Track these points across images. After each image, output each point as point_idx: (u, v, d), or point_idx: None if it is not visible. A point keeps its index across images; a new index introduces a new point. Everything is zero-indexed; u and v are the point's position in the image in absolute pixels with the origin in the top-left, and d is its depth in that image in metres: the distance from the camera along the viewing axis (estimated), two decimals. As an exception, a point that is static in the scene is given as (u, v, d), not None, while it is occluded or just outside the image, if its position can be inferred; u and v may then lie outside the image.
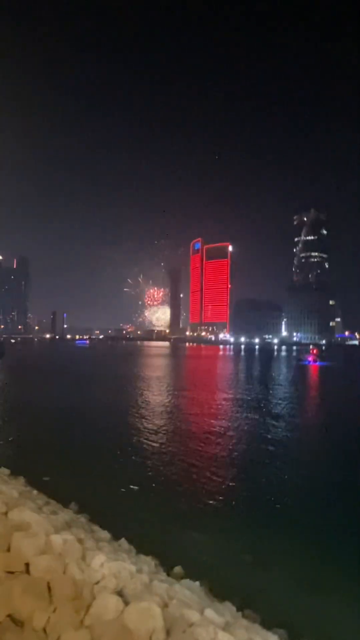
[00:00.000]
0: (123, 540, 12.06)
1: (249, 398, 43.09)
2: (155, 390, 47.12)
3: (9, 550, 7.02)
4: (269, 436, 26.97)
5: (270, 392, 48.85)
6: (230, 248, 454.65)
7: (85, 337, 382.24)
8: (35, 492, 14.99)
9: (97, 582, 6.92)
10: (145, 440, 24.87)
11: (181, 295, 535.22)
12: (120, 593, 6.68)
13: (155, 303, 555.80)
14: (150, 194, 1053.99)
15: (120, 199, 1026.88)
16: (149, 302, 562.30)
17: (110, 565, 7.56)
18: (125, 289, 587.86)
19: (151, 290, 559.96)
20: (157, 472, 19.52)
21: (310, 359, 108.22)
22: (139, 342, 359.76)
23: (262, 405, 38.87)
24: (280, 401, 41.98)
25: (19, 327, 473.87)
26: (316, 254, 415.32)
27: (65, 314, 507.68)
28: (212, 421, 30.89)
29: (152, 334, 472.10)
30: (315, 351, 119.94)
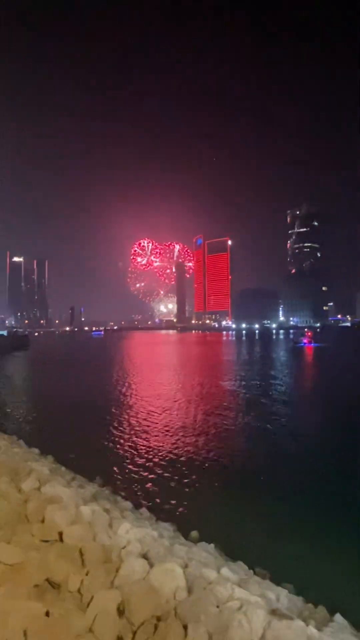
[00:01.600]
0: (144, 509, 12.14)
1: (248, 375, 43.00)
2: (164, 378, 47.11)
3: (43, 521, 7.09)
4: (266, 400, 27.02)
5: (269, 370, 48.75)
6: (229, 242, 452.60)
7: (100, 329, 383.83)
8: (63, 468, 15.10)
9: (124, 547, 6.98)
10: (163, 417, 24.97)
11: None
12: (145, 556, 6.73)
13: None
14: (156, 195, 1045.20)
15: (129, 202, 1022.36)
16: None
17: (135, 531, 7.62)
18: (136, 284, 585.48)
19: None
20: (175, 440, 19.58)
21: (305, 341, 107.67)
22: (149, 331, 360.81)
23: (262, 381, 38.88)
24: (278, 381, 41.92)
25: (41, 321, 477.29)
26: (309, 244, 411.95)
27: (82, 309, 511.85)
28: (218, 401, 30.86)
29: (161, 324, 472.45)
30: (309, 334, 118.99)
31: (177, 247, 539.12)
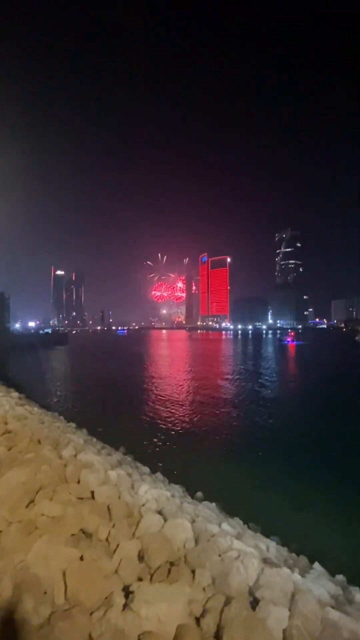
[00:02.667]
0: (159, 474, 12.05)
1: (244, 366, 42.68)
2: (176, 367, 46.87)
3: (79, 482, 7.05)
4: (258, 383, 26.76)
5: (260, 361, 48.34)
6: (228, 260, 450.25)
7: (124, 328, 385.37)
8: (94, 439, 15.08)
9: (143, 505, 6.90)
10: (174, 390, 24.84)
11: (194, 290, 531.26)
12: (160, 512, 6.64)
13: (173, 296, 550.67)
14: (172, 220, 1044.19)
15: (150, 225, 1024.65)
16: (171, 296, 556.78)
17: (152, 492, 7.53)
18: (154, 292, 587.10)
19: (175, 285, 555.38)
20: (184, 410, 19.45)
21: (289, 339, 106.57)
22: (163, 331, 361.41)
23: (254, 367, 38.60)
24: (267, 367, 41.51)
25: (78, 322, 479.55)
26: (293, 261, 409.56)
27: (110, 312, 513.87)
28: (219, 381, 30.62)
29: (173, 324, 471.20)
30: (292, 334, 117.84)
31: (186, 259, 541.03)
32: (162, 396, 26.17)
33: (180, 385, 30.28)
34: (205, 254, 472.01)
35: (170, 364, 47.32)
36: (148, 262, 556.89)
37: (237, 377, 32.85)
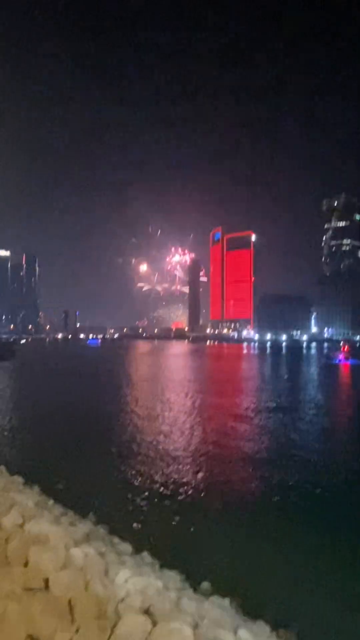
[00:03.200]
0: (146, 554, 12.01)
1: (273, 400, 42.75)
2: (172, 395, 47.03)
3: (26, 565, 7.05)
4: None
5: (298, 393, 48.36)
6: (253, 237, 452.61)
7: (97, 336, 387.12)
8: (51, 501, 15.08)
9: (122, 600, 6.88)
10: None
11: (200, 290, 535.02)
12: (147, 612, 6.63)
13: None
14: (165, 179, 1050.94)
15: (132, 183, 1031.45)
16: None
17: (135, 580, 7.52)
18: (139, 284, 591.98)
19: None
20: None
21: (341, 357, 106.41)
22: (155, 341, 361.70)
23: (289, 402, 38.63)
24: (309, 400, 41.50)
25: (29, 326, 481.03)
26: (348, 241, 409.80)
27: (77, 312, 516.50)
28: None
29: (169, 332, 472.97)
30: (346, 348, 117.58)
31: (190, 236, 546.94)
32: (149, 440, 26.09)
33: (175, 427, 30.13)
34: (219, 228, 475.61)
35: (162, 393, 47.23)
36: (133, 238, 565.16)
37: (261, 419, 32.30)
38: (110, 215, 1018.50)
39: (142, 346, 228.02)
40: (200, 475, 20.03)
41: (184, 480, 19.22)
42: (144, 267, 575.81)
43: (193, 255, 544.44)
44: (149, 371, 78.26)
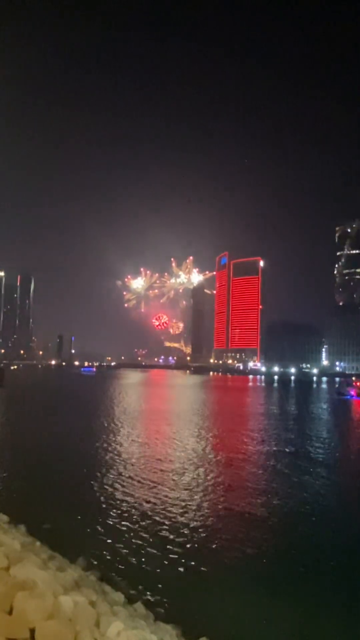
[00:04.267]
0: (140, 605, 11.79)
1: (281, 442, 42.27)
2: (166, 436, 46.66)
3: (11, 612, 6.94)
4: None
5: (307, 434, 47.94)
6: (261, 263, 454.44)
7: (92, 365, 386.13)
8: (38, 543, 14.86)
9: (114, 655, 6.74)
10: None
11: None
12: (141, 669, 6.48)
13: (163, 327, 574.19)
14: (169, 201, 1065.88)
15: (134, 207, 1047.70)
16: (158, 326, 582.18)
17: (129, 634, 7.38)
18: (141, 310, 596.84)
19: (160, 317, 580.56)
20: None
21: (353, 392, 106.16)
22: (155, 370, 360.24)
23: (296, 444, 38.18)
24: (318, 441, 41.03)
25: (21, 351, 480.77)
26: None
27: (73, 338, 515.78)
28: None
29: (170, 362, 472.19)
30: (359, 384, 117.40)
31: (188, 260, 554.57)
32: (145, 479, 25.93)
33: (171, 466, 30.06)
34: (226, 253, 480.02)
35: (159, 427, 47.27)
36: (118, 281, 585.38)
37: (265, 465, 31.69)
38: (111, 238, 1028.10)
39: (139, 377, 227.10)
40: (197, 526, 19.65)
41: (182, 530, 18.81)
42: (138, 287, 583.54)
43: (193, 287, 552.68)
44: (138, 407, 77.55)
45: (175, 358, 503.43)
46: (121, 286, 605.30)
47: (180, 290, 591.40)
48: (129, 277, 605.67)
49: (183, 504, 21.78)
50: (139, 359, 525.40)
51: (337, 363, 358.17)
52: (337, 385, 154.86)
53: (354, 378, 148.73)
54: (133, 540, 17.08)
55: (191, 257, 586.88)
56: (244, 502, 22.32)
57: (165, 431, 44.29)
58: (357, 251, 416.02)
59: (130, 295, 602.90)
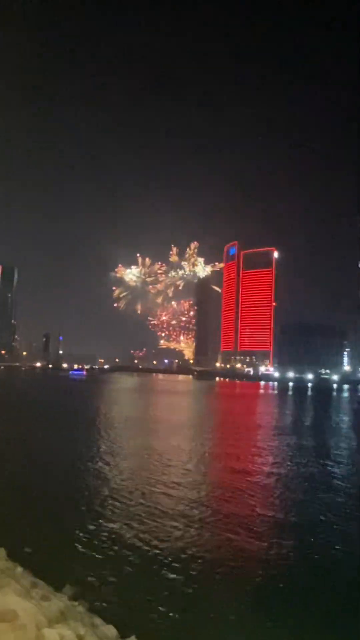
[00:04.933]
0: (133, 638, 11.83)
1: (294, 457, 42.17)
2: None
3: (-11, 646, 6.97)
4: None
5: (326, 452, 47.86)
6: (275, 254, 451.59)
7: (83, 367, 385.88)
8: (19, 569, 14.79)
9: None
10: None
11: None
12: None
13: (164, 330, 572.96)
14: (172, 181, 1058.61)
15: (130, 187, 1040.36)
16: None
17: (121, 673, 7.39)
18: (137, 307, 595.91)
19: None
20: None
21: None
22: (153, 375, 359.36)
23: (313, 463, 38.12)
24: (339, 459, 40.99)
25: (3, 352, 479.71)
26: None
27: (61, 337, 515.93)
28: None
29: (171, 365, 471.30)
30: None
31: (193, 245, 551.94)
32: (133, 502, 25.74)
33: (165, 486, 29.82)
34: (235, 242, 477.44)
35: (153, 442, 47.19)
36: (113, 273, 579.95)
37: (280, 484, 31.58)
38: (106, 224, 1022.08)
39: (135, 382, 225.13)
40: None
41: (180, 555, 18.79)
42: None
43: (197, 284, 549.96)
44: (147, 411, 77.29)
45: (177, 361, 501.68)
46: (113, 279, 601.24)
47: (180, 287, 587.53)
48: (120, 267, 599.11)
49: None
50: (136, 361, 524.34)
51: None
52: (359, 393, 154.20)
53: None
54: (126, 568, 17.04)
55: (195, 243, 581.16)
56: None
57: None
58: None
59: (121, 291, 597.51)
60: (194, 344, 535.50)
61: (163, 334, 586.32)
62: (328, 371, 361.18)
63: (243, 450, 43.72)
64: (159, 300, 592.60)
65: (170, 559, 17.81)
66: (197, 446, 44.46)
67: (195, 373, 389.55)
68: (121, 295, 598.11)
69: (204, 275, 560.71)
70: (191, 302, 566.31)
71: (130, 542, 19.35)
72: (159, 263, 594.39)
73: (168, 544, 19.54)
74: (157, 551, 18.43)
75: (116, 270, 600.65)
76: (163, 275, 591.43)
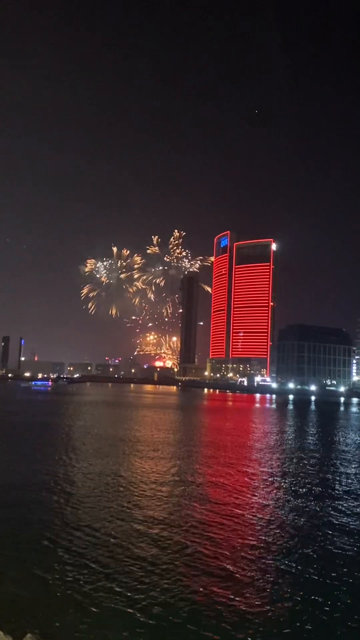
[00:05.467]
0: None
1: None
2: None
3: None
4: None
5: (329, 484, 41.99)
6: (274, 246, 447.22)
7: (48, 377, 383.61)
8: None
9: None
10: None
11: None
12: None
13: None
14: (154, 161, 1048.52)
15: (107, 169, 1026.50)
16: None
17: None
18: (110, 308, 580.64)
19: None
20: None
21: None
22: (131, 386, 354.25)
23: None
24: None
25: None
26: None
27: (22, 341, 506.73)
28: None
29: (152, 374, 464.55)
30: None
31: (177, 235, 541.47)
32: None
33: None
34: (227, 232, 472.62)
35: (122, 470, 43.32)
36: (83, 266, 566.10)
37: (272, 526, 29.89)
38: (79, 212, 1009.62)
39: (105, 394, 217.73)
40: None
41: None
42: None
43: (183, 278, 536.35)
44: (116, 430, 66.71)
45: (158, 368, 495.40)
46: (83, 274, 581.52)
47: (162, 284, 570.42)
48: (90, 260, 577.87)
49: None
50: (111, 370, 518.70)
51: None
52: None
53: None
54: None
55: (179, 231, 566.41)
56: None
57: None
58: None
59: (91, 288, 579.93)
60: (179, 350, 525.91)
61: (142, 339, 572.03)
62: (334, 382, 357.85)
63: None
64: (136, 300, 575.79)
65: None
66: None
67: (181, 383, 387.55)
68: (92, 295, 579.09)
69: (190, 270, 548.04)
70: (176, 301, 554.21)
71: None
72: (138, 255, 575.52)
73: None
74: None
75: (86, 263, 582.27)
76: (140, 271, 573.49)
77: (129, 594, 20.28)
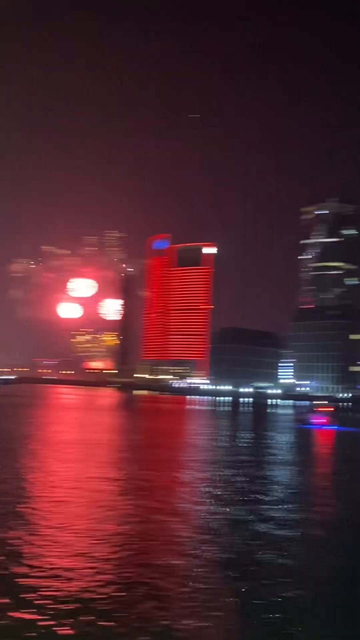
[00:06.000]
0: None
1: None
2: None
3: None
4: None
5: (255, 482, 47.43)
6: (214, 251, 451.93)
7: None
8: None
9: None
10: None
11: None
12: None
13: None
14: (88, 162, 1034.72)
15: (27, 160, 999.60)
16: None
17: None
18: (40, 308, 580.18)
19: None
20: None
21: (315, 419, 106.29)
22: (64, 389, 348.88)
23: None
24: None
25: None
26: (336, 264, 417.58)
27: None
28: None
29: (87, 375, 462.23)
30: (326, 409, 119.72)
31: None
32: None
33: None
34: (165, 235, 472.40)
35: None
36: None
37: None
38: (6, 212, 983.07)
39: (30, 398, 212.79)
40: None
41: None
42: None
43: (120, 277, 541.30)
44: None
45: (87, 371, 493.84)
46: (8, 275, 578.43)
47: (98, 285, 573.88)
48: (16, 260, 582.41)
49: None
50: (40, 371, 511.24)
51: (305, 382, 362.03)
52: (303, 410, 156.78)
53: (314, 402, 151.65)
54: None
55: (113, 231, 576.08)
56: None
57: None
58: (331, 240, 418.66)
59: (17, 289, 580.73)
60: (116, 351, 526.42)
61: (78, 340, 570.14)
62: (268, 384, 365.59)
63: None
64: (69, 300, 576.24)
65: None
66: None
67: (119, 385, 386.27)
68: (18, 296, 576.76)
69: (129, 271, 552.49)
70: (113, 302, 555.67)
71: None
72: (69, 253, 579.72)
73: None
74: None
75: (13, 261, 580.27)
76: (75, 271, 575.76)
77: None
